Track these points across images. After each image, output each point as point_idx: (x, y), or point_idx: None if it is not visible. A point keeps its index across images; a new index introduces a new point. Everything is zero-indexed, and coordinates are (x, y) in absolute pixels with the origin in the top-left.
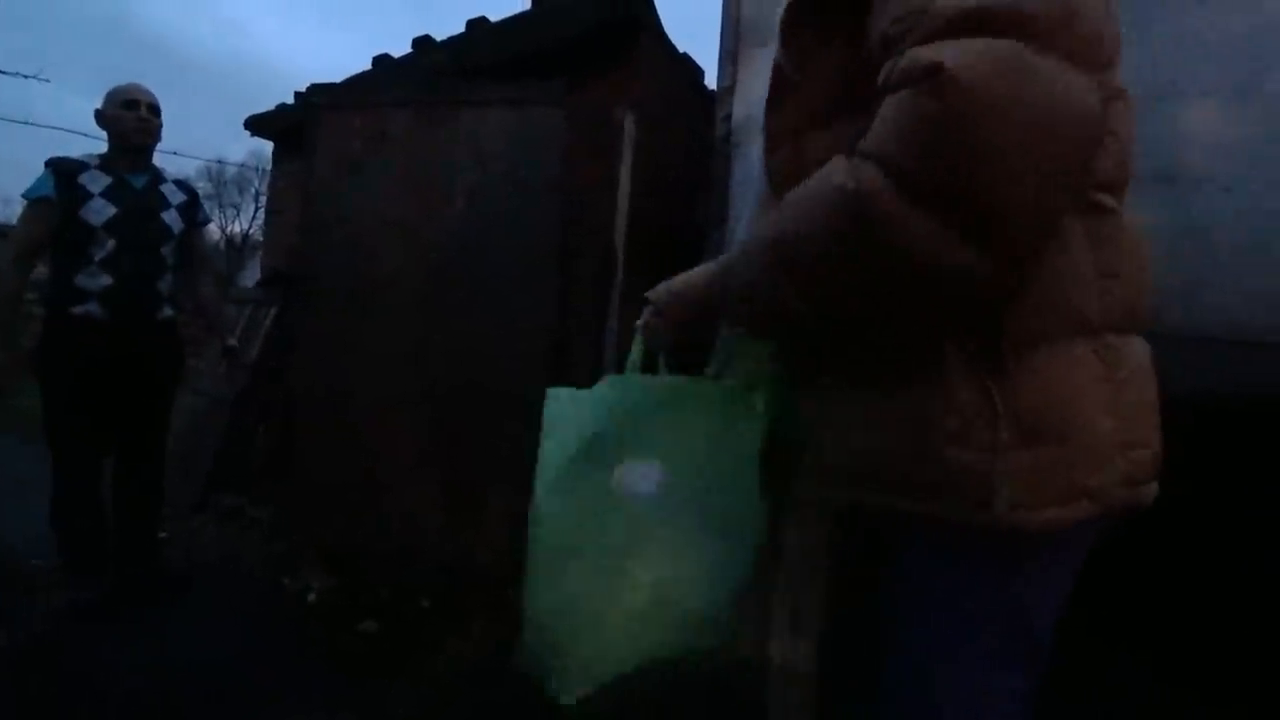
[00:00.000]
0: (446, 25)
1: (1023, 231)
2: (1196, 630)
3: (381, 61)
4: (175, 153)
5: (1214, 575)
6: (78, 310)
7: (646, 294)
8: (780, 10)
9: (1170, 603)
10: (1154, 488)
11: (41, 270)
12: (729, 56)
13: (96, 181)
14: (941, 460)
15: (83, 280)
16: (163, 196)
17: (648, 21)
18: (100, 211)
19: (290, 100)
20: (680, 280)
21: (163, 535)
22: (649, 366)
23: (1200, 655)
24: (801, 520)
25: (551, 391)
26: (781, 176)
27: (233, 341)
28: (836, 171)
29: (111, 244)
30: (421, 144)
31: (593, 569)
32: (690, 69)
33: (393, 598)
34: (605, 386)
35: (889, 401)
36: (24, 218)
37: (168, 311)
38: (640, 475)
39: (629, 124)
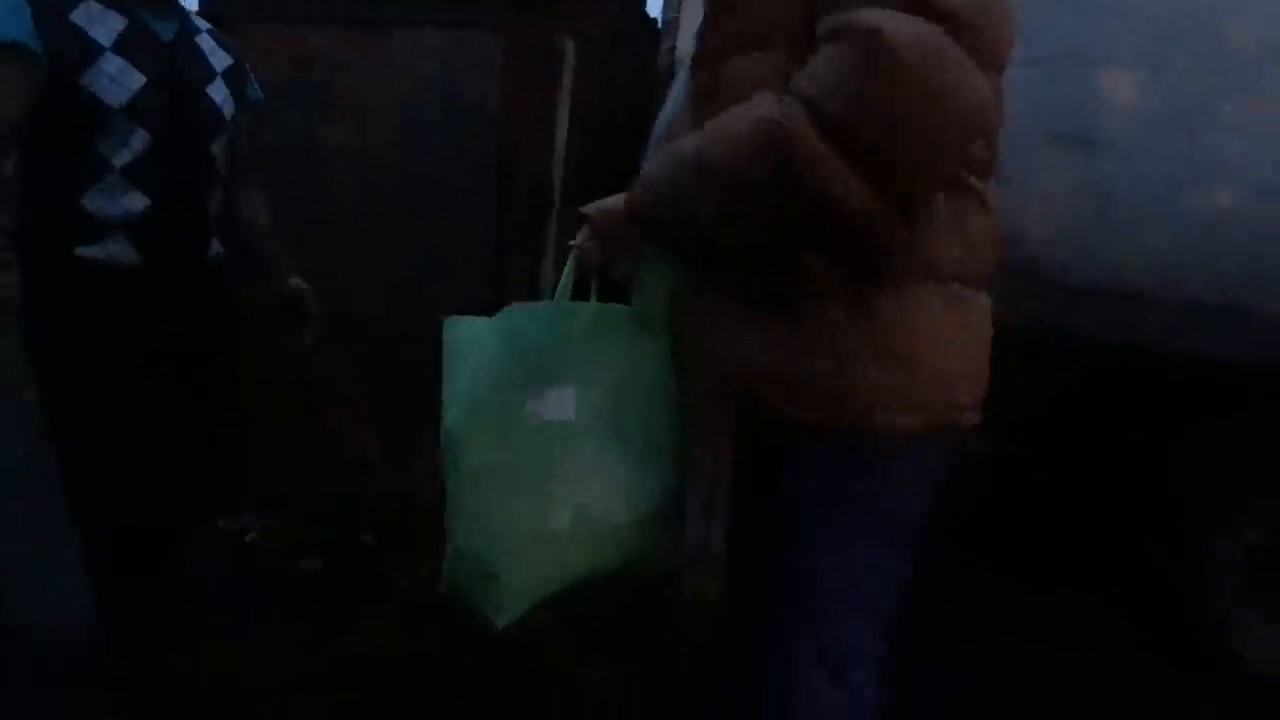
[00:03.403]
0: None
1: (912, 186)
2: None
3: None
4: None
5: (1088, 516)
6: (91, 253)
7: (581, 209)
8: None
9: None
10: (974, 415)
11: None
12: None
13: (102, 24)
14: (807, 368)
15: (97, 202)
16: (202, 56)
17: None
18: (120, 80)
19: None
20: (612, 199)
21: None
22: (581, 290)
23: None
24: (708, 421)
25: (449, 321)
26: (701, 95)
27: (298, 282)
28: (763, 104)
29: (144, 137)
30: (350, 65)
31: (517, 495)
32: None
33: (334, 535)
34: (509, 315)
35: (773, 316)
36: None
37: (217, 248)
38: (556, 401)
39: (569, 52)
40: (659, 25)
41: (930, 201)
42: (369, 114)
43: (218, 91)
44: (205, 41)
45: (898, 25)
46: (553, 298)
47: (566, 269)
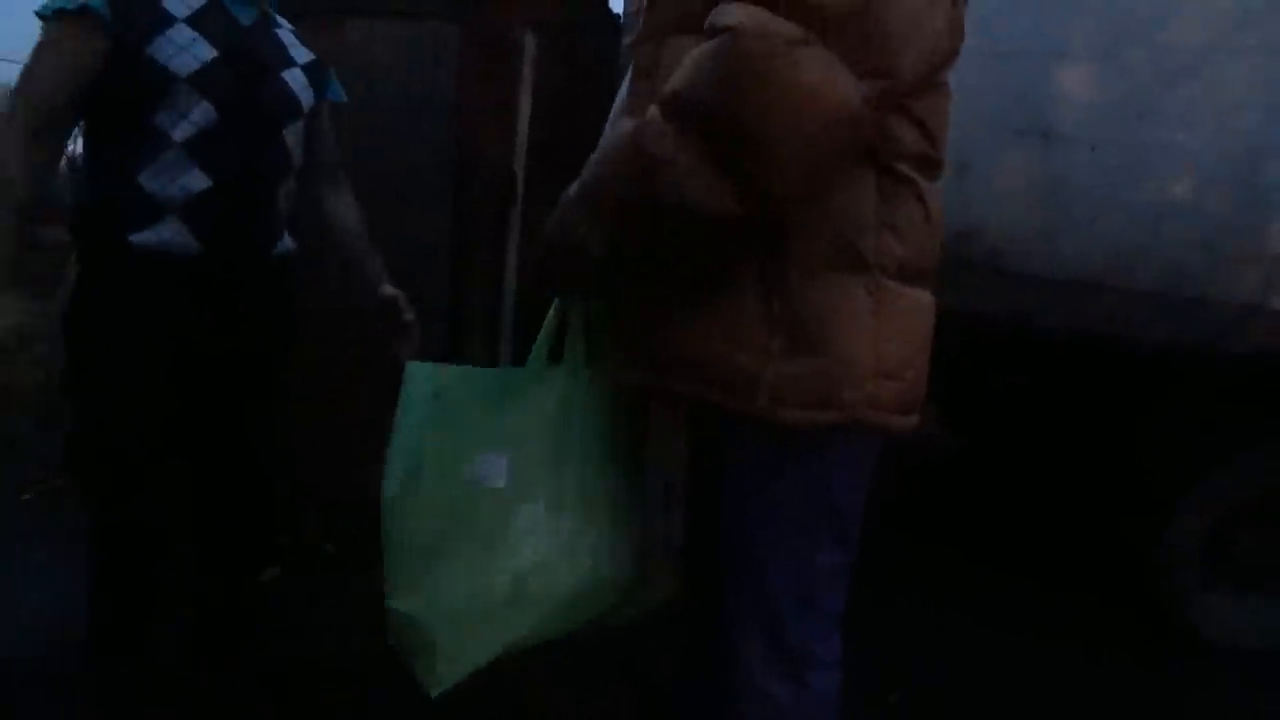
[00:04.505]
0: None
1: (774, 183)
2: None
3: None
4: None
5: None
6: (144, 239)
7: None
8: None
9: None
10: (909, 420)
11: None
12: None
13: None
14: (722, 357)
15: (154, 180)
16: (281, 46)
17: None
18: (189, 50)
19: None
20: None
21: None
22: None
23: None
24: (657, 408)
25: (410, 366)
26: (639, 75)
27: (392, 291)
28: (629, 128)
29: (208, 111)
30: None
31: (453, 562)
32: None
33: (290, 543)
34: (459, 372)
35: (690, 304)
36: (44, 49)
37: (287, 243)
38: (490, 467)
39: (529, 44)
40: (620, 21)
41: (859, 187)
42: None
43: (296, 79)
44: (287, 36)
45: (753, 22)
46: (518, 297)
47: (550, 316)
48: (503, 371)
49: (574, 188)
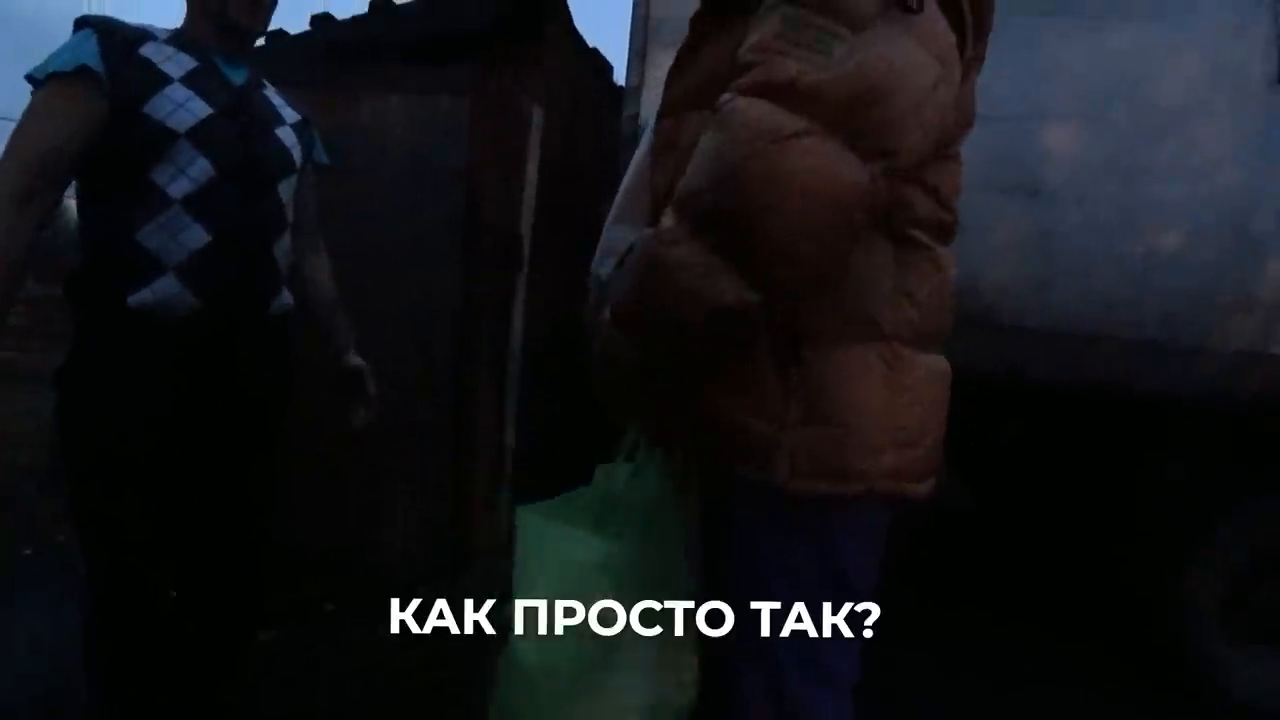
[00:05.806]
0: (348, 3)
1: (789, 273)
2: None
3: (277, 38)
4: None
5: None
6: (143, 299)
7: None
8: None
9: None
10: (925, 485)
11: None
12: (638, 55)
13: (173, 61)
14: (737, 421)
15: (153, 238)
16: (271, 104)
17: (556, 12)
18: (185, 107)
19: None
20: None
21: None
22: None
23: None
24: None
25: (521, 512)
26: (662, 146)
27: (358, 362)
28: (646, 238)
29: (206, 167)
30: (319, 129)
31: (585, 704)
32: (599, 63)
33: (291, 603)
34: (564, 508)
35: (711, 375)
36: (37, 110)
37: (285, 299)
38: (604, 609)
39: (536, 116)
40: (622, 90)
41: (875, 256)
42: (334, 176)
43: (287, 136)
44: (275, 96)
45: (754, 116)
46: (524, 355)
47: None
48: (594, 496)
49: (607, 310)
